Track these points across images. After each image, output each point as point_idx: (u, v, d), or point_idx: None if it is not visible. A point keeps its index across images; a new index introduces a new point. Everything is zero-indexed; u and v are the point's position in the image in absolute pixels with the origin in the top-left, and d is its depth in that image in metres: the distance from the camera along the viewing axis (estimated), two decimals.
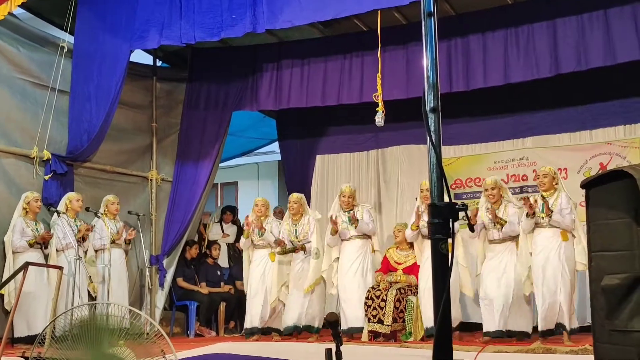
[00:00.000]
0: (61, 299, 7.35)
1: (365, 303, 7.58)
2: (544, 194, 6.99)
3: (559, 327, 6.79)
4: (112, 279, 8.03)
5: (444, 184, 2.40)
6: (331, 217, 7.89)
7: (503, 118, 9.22)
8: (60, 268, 6.94)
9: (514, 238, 7.21)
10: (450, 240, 2.40)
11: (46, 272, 7.61)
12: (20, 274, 6.15)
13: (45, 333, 3.99)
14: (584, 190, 3.21)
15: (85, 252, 8.10)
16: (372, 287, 7.67)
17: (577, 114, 8.74)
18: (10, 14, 7.78)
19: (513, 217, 7.18)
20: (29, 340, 7.26)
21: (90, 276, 8.00)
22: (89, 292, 7.99)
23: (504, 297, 7.06)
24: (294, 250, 8.00)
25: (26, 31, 8.33)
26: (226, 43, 9.38)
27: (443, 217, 2.36)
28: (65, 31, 8.46)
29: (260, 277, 8.08)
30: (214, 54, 9.70)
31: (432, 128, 2.41)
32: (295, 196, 8.29)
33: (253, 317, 8.03)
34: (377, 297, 7.53)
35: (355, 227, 7.81)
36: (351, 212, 7.89)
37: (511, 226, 7.15)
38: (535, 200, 6.99)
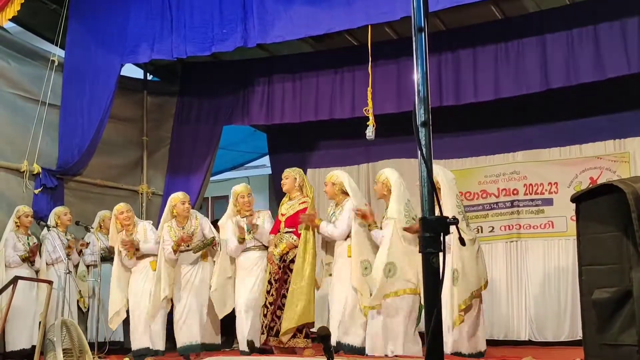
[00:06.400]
0: (50, 313, 7.31)
1: (262, 313, 6.82)
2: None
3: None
4: (105, 294, 8.00)
5: (435, 198, 2.40)
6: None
7: (493, 132, 9.23)
8: (50, 282, 6.91)
9: None
10: (441, 255, 2.40)
11: (35, 286, 7.58)
12: (10, 289, 6.12)
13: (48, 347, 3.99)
14: (574, 205, 3.22)
15: (76, 267, 8.08)
16: (266, 287, 6.82)
17: (567, 128, 8.75)
18: (1, 28, 7.79)
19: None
20: (16, 354, 7.23)
21: (80, 290, 7.97)
22: (79, 306, 7.97)
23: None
24: (206, 246, 7.25)
25: (17, 45, 8.32)
26: (217, 57, 9.39)
27: (434, 231, 2.36)
28: (56, 45, 8.46)
29: (142, 290, 7.34)
30: (204, 68, 9.70)
31: (423, 142, 2.41)
32: (182, 195, 7.37)
33: (141, 337, 7.34)
34: (271, 305, 6.75)
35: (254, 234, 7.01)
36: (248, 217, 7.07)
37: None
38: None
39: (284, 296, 6.68)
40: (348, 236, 6.51)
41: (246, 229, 7.01)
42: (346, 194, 6.64)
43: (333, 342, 6.23)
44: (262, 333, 6.78)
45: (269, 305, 6.76)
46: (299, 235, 6.72)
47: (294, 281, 6.59)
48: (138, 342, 7.33)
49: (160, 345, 7.26)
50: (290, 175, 7.01)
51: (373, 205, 8.00)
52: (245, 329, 6.97)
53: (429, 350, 2.32)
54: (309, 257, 6.62)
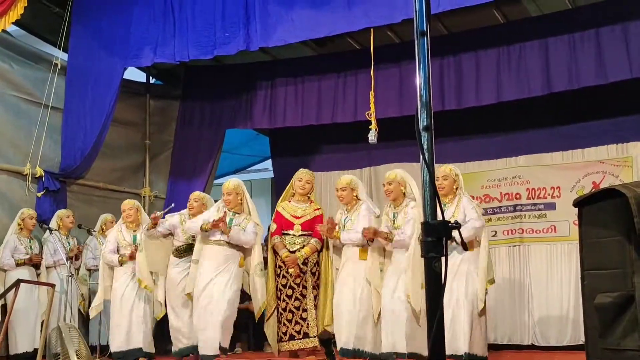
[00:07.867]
0: (52, 316, 7.32)
1: (285, 318, 6.57)
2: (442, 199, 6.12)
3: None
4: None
5: (437, 202, 2.40)
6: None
7: (496, 136, 9.22)
8: (52, 285, 6.91)
9: None
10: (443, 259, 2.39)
11: (37, 289, 7.59)
12: (12, 292, 6.13)
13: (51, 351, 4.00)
14: (577, 209, 3.22)
15: (78, 270, 8.09)
16: (282, 291, 6.59)
17: (569, 132, 8.75)
18: (3, 31, 7.80)
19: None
20: (18, 357, 7.23)
21: (82, 294, 7.98)
22: (79, 309, 7.96)
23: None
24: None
25: (19, 48, 8.34)
26: (219, 61, 9.40)
27: (436, 235, 2.36)
28: (59, 48, 8.47)
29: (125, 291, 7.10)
30: (207, 72, 9.71)
31: (425, 146, 2.41)
32: (196, 194, 7.33)
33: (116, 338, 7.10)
34: (297, 309, 6.53)
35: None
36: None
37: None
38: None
39: (311, 300, 6.58)
40: None
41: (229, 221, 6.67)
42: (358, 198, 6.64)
43: (349, 347, 6.20)
44: (281, 339, 6.58)
45: (294, 310, 6.54)
46: (322, 240, 6.66)
47: (323, 286, 6.55)
48: (118, 344, 7.08)
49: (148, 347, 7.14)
50: (312, 181, 6.96)
51: None
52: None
53: (431, 353, 2.32)
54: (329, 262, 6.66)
